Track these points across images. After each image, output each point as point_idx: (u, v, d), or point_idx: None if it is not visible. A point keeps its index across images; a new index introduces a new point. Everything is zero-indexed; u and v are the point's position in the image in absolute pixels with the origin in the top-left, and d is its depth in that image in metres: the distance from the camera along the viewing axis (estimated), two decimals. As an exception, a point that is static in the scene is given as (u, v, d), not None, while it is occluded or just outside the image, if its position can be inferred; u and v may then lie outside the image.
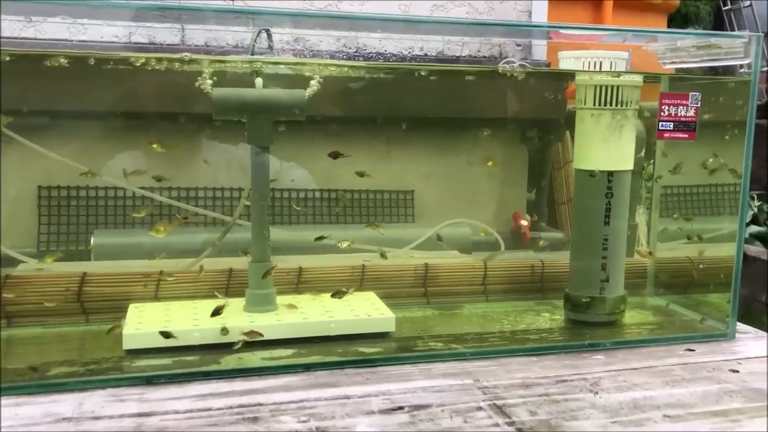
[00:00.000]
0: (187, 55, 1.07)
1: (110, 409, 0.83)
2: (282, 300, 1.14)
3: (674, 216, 1.39)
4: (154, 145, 1.15)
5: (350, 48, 1.71)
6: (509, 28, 1.42)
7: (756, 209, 2.79)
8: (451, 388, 0.93)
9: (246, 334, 1.03)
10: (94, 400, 0.85)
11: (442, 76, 1.40)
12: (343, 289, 1.11)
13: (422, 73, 1.28)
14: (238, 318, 1.07)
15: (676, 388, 0.95)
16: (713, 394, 0.93)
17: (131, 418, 0.81)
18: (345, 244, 1.11)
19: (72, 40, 1.44)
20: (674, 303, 1.33)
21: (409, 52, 1.53)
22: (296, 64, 1.14)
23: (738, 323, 1.19)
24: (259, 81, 1.07)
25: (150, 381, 0.91)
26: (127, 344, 0.99)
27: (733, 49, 1.14)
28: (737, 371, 1.02)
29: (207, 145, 1.38)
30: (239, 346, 1.00)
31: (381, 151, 1.49)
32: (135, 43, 1.56)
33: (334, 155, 1.10)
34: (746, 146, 1.14)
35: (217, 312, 1.04)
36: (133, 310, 1.09)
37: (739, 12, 8.38)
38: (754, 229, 2.69)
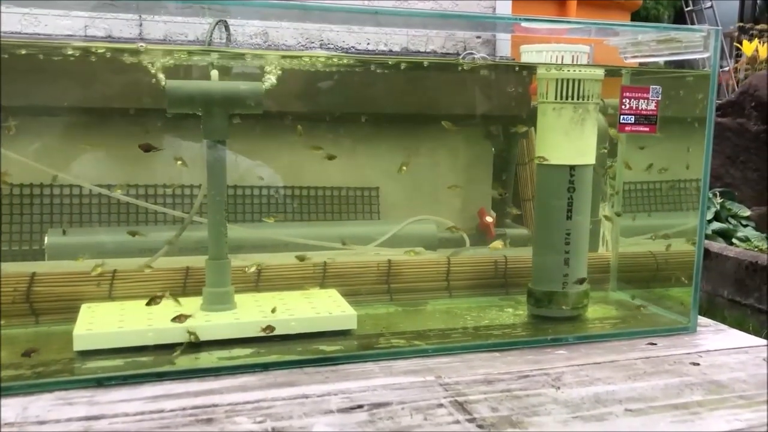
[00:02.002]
0: (142, 45, 1.04)
1: (57, 413, 0.80)
2: (240, 298, 1.11)
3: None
4: (179, 162, 1.13)
5: (313, 42, 1.69)
6: (473, 21, 1.41)
7: (718, 206, 2.83)
8: (412, 385, 0.91)
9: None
10: (41, 404, 0.82)
11: (406, 72, 1.38)
12: (159, 294, 1.05)
13: (385, 70, 1.26)
14: (195, 317, 1.04)
15: (637, 381, 0.94)
16: (674, 387, 0.93)
17: (79, 421, 0.78)
18: (252, 269, 1.08)
19: (23, 33, 1.40)
20: (637, 297, 1.33)
21: (368, 43, 1.51)
22: (253, 54, 1.11)
23: (699, 317, 1.19)
24: (214, 73, 1.05)
25: (101, 383, 0.88)
26: (78, 345, 0.96)
27: (693, 43, 1.15)
28: (698, 364, 1.01)
29: (168, 141, 1.35)
30: (177, 353, 0.98)
31: (346, 147, 1.47)
32: (91, 37, 1.52)
33: (146, 148, 1.06)
34: (706, 141, 1.14)
35: (178, 319, 1.01)
36: (85, 310, 1.05)
37: (701, 12, 8.53)
38: (716, 225, 2.72)
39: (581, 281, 1.17)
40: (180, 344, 0.98)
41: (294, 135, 1.40)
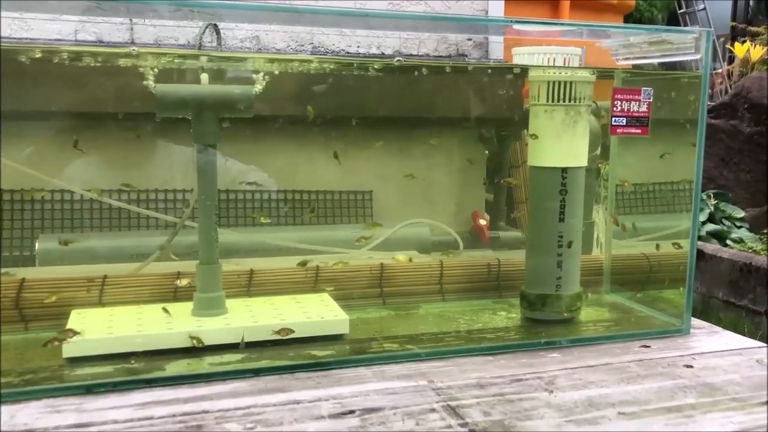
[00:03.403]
0: (134, 50, 1.04)
1: (45, 421, 0.79)
2: (232, 303, 1.10)
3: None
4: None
5: (304, 46, 1.69)
6: (465, 24, 1.41)
7: (712, 208, 2.83)
8: (404, 390, 0.91)
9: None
10: (29, 412, 0.81)
11: (399, 75, 1.38)
12: (58, 337, 0.96)
13: (379, 72, 1.26)
14: (186, 322, 1.04)
15: (631, 384, 0.94)
16: (668, 389, 0.92)
17: (67, 429, 0.77)
18: (184, 282, 1.08)
19: (12, 37, 1.39)
20: (631, 300, 1.32)
21: (358, 46, 1.50)
22: (243, 57, 1.11)
23: (693, 319, 1.18)
24: (204, 76, 1.04)
25: (90, 390, 0.87)
26: (68, 352, 0.95)
27: (684, 44, 1.14)
28: (691, 366, 1.01)
29: (159, 146, 1.34)
30: (134, 362, 0.96)
31: (338, 150, 1.47)
32: (81, 41, 1.52)
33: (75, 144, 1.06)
34: (698, 142, 1.14)
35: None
36: (75, 316, 1.04)
37: (694, 15, 8.57)
38: (710, 227, 2.72)
39: (569, 245, 1.16)
40: (136, 353, 0.97)
41: (285, 140, 1.39)
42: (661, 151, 1.29)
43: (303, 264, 1.20)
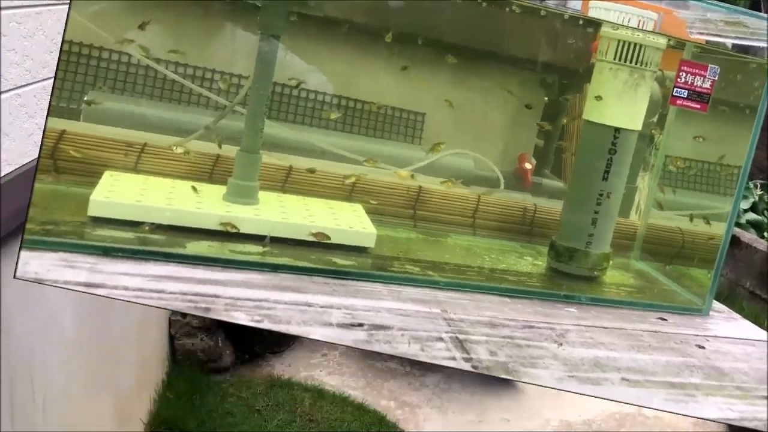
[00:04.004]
0: None
1: (57, 274, 0.79)
2: (265, 196, 1.10)
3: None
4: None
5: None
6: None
7: (757, 197, 2.75)
8: (417, 314, 0.91)
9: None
10: (41, 262, 0.81)
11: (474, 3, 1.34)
12: None
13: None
14: (216, 205, 1.04)
15: (640, 353, 0.93)
16: (675, 365, 0.92)
17: (77, 286, 0.78)
18: (180, 150, 1.07)
19: None
20: (658, 271, 1.30)
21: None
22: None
23: (715, 302, 1.17)
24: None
25: (107, 252, 0.86)
26: (93, 211, 0.95)
27: (759, 30, 1.10)
28: (703, 347, 1.00)
29: (227, 29, 1.32)
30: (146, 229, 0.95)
31: (401, 68, 1.44)
32: None
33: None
34: (754, 129, 1.10)
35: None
36: (108, 177, 1.04)
37: (781, -3, 8.12)
38: (751, 216, 2.66)
39: (608, 195, 1.14)
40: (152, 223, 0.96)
41: (349, 46, 1.36)
42: (715, 130, 1.25)
43: (311, 171, 1.19)
